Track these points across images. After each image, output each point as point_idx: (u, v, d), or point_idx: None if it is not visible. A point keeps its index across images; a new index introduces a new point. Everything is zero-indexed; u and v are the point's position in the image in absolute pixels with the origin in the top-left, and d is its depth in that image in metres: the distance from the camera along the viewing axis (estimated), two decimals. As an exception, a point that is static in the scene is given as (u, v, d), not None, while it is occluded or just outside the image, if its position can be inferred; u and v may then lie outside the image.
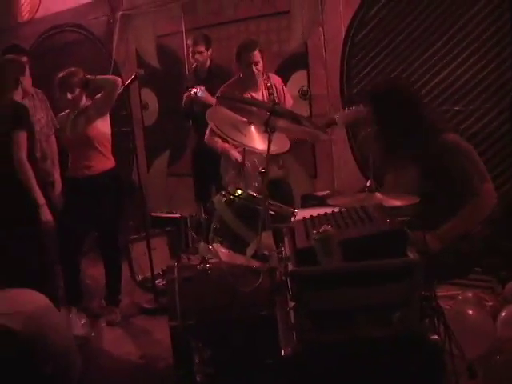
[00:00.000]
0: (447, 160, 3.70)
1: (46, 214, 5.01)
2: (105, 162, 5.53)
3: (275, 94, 5.67)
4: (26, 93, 5.33)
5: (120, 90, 5.45)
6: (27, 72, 5.18)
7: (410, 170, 3.89)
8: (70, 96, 5.34)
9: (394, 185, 4.04)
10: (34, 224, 5.00)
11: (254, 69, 5.52)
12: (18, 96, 5.10)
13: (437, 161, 3.73)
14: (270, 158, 5.37)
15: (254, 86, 5.65)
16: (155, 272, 5.80)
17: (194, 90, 6.26)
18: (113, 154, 5.63)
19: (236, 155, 5.48)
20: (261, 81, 5.69)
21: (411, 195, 3.60)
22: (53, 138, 5.97)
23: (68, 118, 5.52)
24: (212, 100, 6.23)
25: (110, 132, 5.55)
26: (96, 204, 5.45)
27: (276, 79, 5.88)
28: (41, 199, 4.98)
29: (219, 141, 5.55)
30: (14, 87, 5.06)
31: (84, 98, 5.48)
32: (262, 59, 5.58)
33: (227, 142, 5.41)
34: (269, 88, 5.72)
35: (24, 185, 4.91)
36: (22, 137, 4.91)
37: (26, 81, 5.18)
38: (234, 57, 5.61)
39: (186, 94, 6.43)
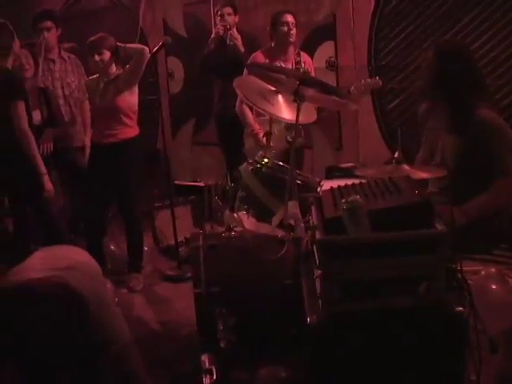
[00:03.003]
0: (483, 136, 3.68)
1: (48, 183, 5.11)
2: (128, 131, 5.52)
3: (302, 71, 5.68)
4: (17, 56, 5.37)
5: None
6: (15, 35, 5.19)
7: (451, 139, 3.86)
8: (97, 58, 5.31)
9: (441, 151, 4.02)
10: (37, 194, 5.12)
11: (288, 30, 5.57)
12: (9, 63, 5.15)
13: (473, 135, 3.71)
14: (290, 126, 5.46)
15: (284, 54, 5.72)
16: (178, 240, 5.84)
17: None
18: (138, 122, 5.63)
19: (263, 141, 5.49)
20: (291, 51, 5.78)
21: (449, 164, 3.63)
22: (87, 104, 5.98)
23: (97, 84, 5.50)
24: (241, 46, 6.28)
25: (136, 102, 5.54)
26: (117, 171, 5.49)
27: (307, 58, 5.95)
28: (43, 168, 5.08)
29: (250, 116, 5.58)
30: (6, 55, 5.09)
31: (114, 66, 5.45)
32: (295, 27, 5.67)
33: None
34: (297, 63, 5.75)
35: (27, 155, 5.00)
36: (21, 107, 4.97)
37: (16, 44, 5.21)
38: (269, 24, 5.65)
39: (216, 29, 6.46)
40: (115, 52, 5.38)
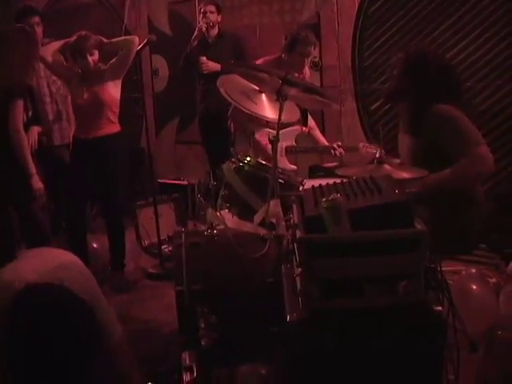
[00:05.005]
0: (440, 130, 3.68)
1: (37, 183, 5.07)
2: (112, 126, 5.52)
3: None
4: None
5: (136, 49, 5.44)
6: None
7: (407, 139, 3.91)
8: (89, 59, 5.29)
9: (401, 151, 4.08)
10: (25, 193, 5.10)
11: (306, 61, 5.53)
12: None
13: (427, 129, 3.73)
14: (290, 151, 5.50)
15: (299, 73, 5.63)
16: (161, 238, 5.84)
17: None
18: (121, 119, 5.62)
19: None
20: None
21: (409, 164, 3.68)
22: (69, 100, 5.97)
23: (80, 80, 5.47)
24: (216, 66, 6.30)
25: (119, 98, 5.53)
26: (100, 166, 5.49)
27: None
28: (32, 168, 5.04)
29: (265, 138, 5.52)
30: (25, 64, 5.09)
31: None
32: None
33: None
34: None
35: (17, 154, 4.96)
36: (19, 106, 4.95)
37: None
38: (286, 39, 5.54)
39: (199, 26, 6.53)
40: (101, 49, 5.38)
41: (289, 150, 5.55)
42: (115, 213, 5.67)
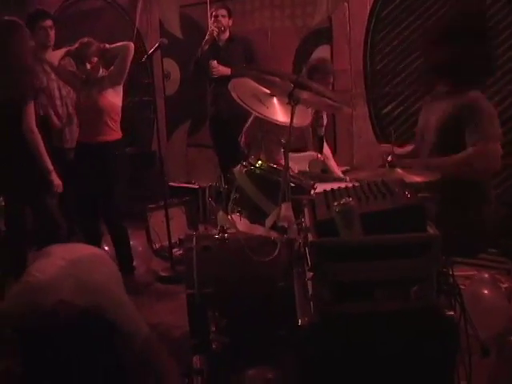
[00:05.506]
0: (467, 114, 3.67)
1: (57, 178, 5.12)
2: (109, 133, 5.51)
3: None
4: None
5: (133, 56, 5.44)
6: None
7: (440, 108, 3.90)
8: (88, 66, 5.33)
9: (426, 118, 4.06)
10: (42, 191, 5.14)
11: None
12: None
13: (459, 112, 3.72)
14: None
15: None
16: (172, 241, 5.84)
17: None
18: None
19: None
20: None
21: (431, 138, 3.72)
22: None
23: (81, 84, 5.52)
24: (227, 71, 6.30)
25: (120, 105, 5.54)
26: (97, 171, 5.49)
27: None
28: (50, 165, 5.07)
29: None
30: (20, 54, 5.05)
31: (101, 68, 5.48)
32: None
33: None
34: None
35: (34, 153, 4.98)
36: (31, 107, 4.97)
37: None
38: (304, 71, 5.55)
39: (210, 31, 6.57)
40: (102, 55, 5.40)
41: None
42: (113, 217, 5.66)
